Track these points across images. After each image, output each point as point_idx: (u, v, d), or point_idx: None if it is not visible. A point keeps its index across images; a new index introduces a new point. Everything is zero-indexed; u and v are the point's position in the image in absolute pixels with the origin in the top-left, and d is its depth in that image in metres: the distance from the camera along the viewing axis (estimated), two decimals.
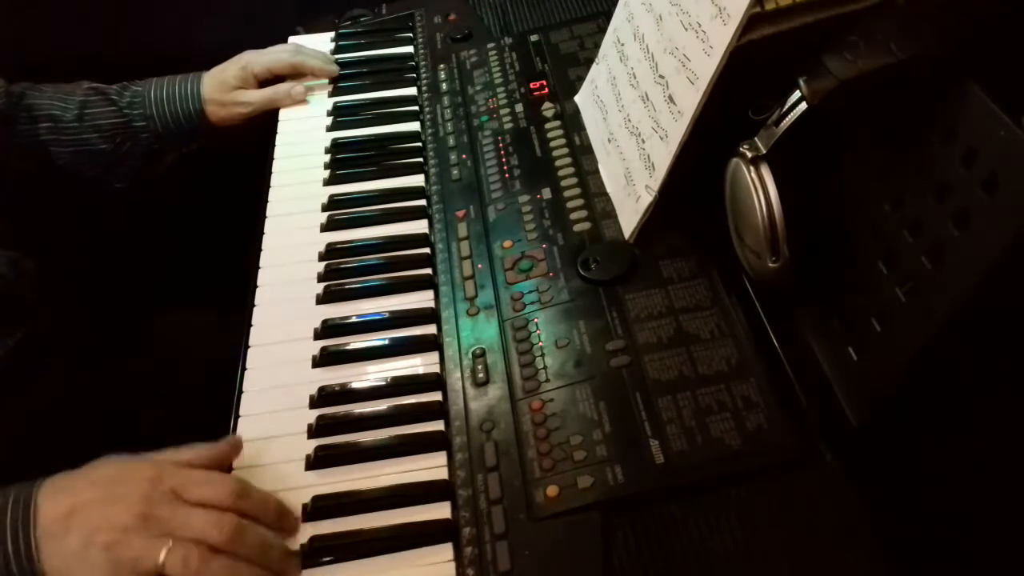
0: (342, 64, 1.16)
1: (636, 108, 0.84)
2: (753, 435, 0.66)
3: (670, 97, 0.77)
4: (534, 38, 1.13)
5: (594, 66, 0.97)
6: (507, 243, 0.87)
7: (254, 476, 0.72)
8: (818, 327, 0.70)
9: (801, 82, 0.64)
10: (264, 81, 1.11)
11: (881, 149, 0.65)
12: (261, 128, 1.09)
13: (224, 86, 1.08)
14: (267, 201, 0.99)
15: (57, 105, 1.04)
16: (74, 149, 1.04)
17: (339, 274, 0.88)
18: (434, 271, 0.87)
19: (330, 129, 1.08)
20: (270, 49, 1.13)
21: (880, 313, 0.62)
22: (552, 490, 0.66)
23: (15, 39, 1.21)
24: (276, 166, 1.04)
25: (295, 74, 1.13)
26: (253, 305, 0.86)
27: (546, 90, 1.05)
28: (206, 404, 0.85)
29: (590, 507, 0.64)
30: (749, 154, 0.67)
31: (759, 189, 0.67)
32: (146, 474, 0.65)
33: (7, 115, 1.01)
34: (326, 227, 0.94)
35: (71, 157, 1.05)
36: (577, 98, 1.00)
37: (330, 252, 0.91)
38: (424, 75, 1.15)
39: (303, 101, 1.11)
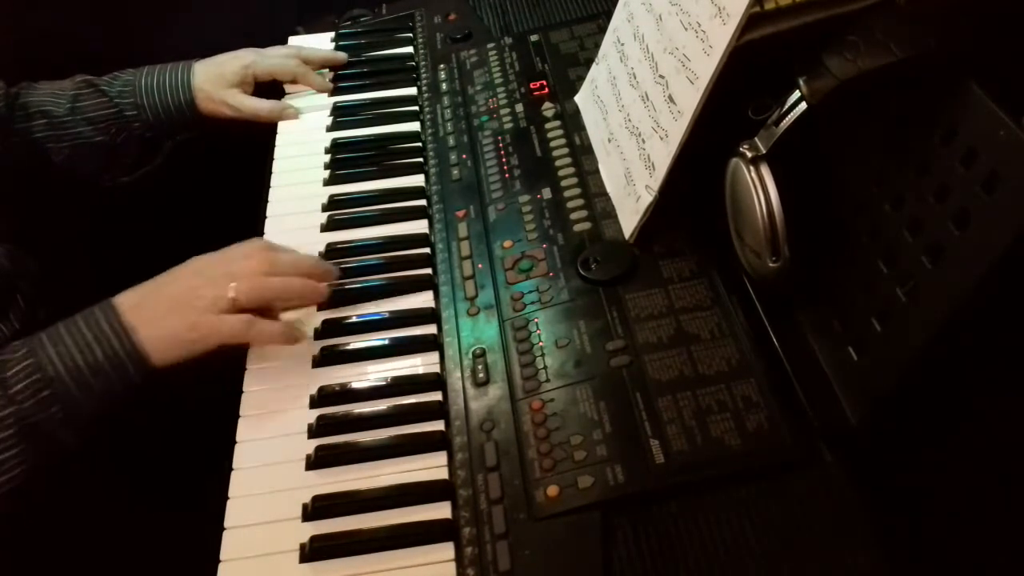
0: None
1: (636, 108, 0.84)
2: (753, 435, 0.66)
3: (670, 97, 0.77)
4: (534, 38, 1.13)
5: (594, 66, 0.97)
6: (507, 243, 0.87)
7: (254, 476, 0.72)
8: (818, 327, 0.70)
9: (801, 82, 0.64)
10: (263, 83, 1.10)
11: (881, 149, 0.65)
12: (253, 123, 1.09)
13: (221, 80, 1.06)
14: (267, 201, 0.99)
15: (50, 101, 1.03)
16: (71, 144, 1.04)
17: (339, 274, 0.88)
18: (434, 271, 0.87)
19: (330, 129, 1.08)
20: (273, 51, 1.12)
21: (880, 313, 0.62)
22: (552, 490, 0.66)
23: (15, 40, 1.21)
24: (276, 166, 1.04)
25: (294, 82, 1.13)
26: None
27: (546, 90, 1.05)
28: (206, 405, 0.86)
29: (590, 507, 0.64)
30: (749, 154, 0.68)
31: (759, 189, 0.67)
32: (195, 258, 0.80)
33: (5, 116, 1.01)
34: (326, 227, 0.94)
35: (70, 152, 1.04)
36: (577, 98, 1.00)
37: (330, 252, 0.91)
38: (424, 75, 1.15)
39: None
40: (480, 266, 0.85)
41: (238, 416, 0.77)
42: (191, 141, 1.12)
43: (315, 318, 0.84)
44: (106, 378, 0.73)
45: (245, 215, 0.98)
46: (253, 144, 1.08)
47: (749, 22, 0.67)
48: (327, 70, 1.16)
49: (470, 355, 0.77)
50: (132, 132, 1.06)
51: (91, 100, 1.04)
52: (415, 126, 1.07)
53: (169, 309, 0.76)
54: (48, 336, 0.74)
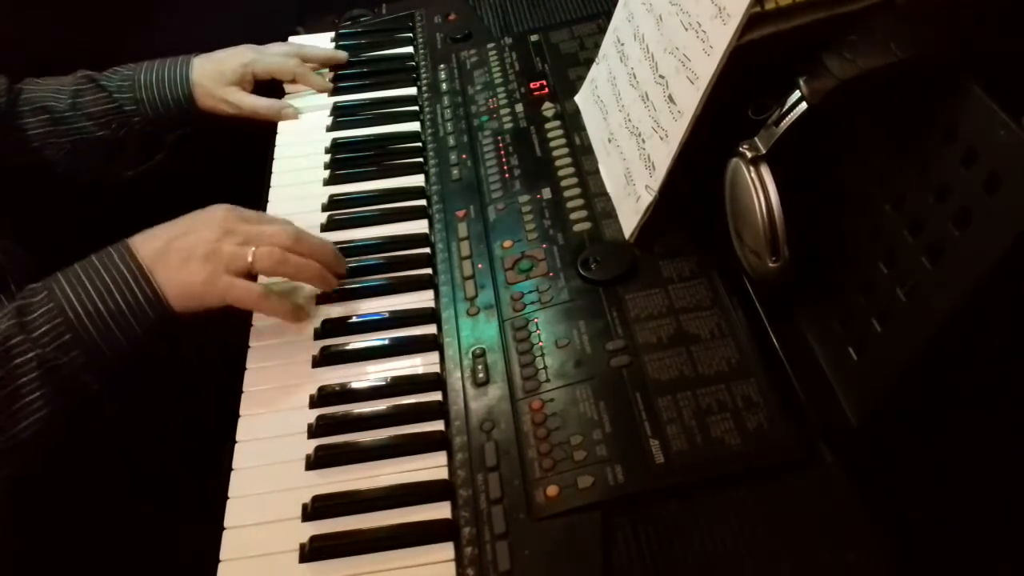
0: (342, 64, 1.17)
1: (636, 108, 0.84)
2: (753, 435, 0.66)
3: (670, 97, 0.77)
4: (534, 38, 1.13)
5: (594, 66, 0.97)
6: (507, 243, 0.87)
7: (254, 476, 0.72)
8: (818, 327, 0.70)
9: (801, 82, 0.64)
10: (262, 82, 1.10)
11: (881, 149, 0.65)
12: (252, 121, 1.09)
13: (220, 77, 1.06)
14: (267, 201, 0.99)
15: (52, 97, 1.03)
16: (72, 139, 1.04)
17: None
18: (434, 271, 0.87)
19: (330, 129, 1.08)
20: (273, 49, 1.12)
21: (880, 313, 0.62)
22: (552, 490, 0.66)
23: (15, 39, 1.21)
24: (276, 166, 1.04)
25: (294, 82, 1.13)
26: None
27: (546, 90, 1.05)
28: (204, 404, 0.86)
29: (590, 507, 0.64)
30: (749, 154, 0.67)
31: (759, 189, 0.67)
32: (220, 208, 0.80)
33: (7, 112, 1.01)
34: (326, 227, 0.94)
35: (71, 147, 1.04)
36: (577, 98, 1.00)
37: None
38: (424, 75, 1.15)
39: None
40: (480, 266, 0.85)
41: (238, 416, 0.77)
42: (191, 140, 1.12)
43: (315, 318, 0.84)
44: (127, 323, 0.74)
45: None
46: (253, 143, 1.08)
47: (749, 22, 0.67)
48: (327, 70, 1.16)
49: (470, 355, 0.77)
50: (132, 127, 1.06)
51: (91, 95, 1.04)
52: (415, 126, 1.07)
53: (186, 258, 0.76)
54: (67, 279, 0.74)
